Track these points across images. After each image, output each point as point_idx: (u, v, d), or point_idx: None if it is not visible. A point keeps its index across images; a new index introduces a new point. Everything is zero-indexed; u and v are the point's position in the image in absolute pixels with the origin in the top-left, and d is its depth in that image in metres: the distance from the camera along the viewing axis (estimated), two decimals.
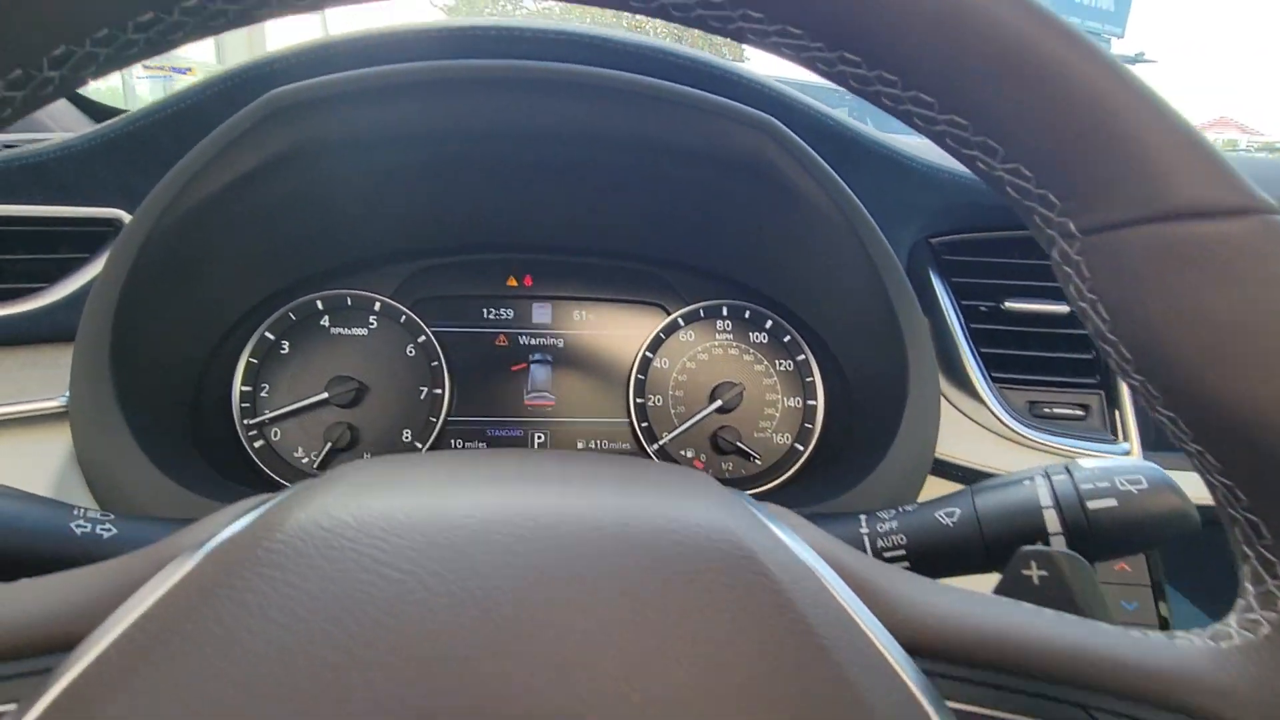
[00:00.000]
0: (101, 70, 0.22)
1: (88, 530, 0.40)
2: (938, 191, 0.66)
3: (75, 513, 0.40)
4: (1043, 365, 0.68)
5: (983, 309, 0.70)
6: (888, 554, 0.45)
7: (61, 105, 0.89)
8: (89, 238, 0.61)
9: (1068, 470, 0.43)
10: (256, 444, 0.69)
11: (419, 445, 0.71)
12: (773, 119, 0.51)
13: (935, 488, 0.64)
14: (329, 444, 0.69)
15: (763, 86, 0.55)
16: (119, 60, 0.22)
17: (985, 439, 0.66)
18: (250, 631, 0.19)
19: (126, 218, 0.60)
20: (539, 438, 0.74)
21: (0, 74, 0.21)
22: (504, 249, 0.75)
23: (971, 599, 0.27)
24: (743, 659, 0.19)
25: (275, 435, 0.70)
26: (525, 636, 0.19)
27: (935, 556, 0.44)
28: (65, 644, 0.22)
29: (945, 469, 0.66)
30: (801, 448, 0.75)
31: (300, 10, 0.24)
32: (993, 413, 0.66)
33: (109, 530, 0.40)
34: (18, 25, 0.20)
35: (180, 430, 0.61)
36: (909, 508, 0.47)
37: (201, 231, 0.55)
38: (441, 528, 0.22)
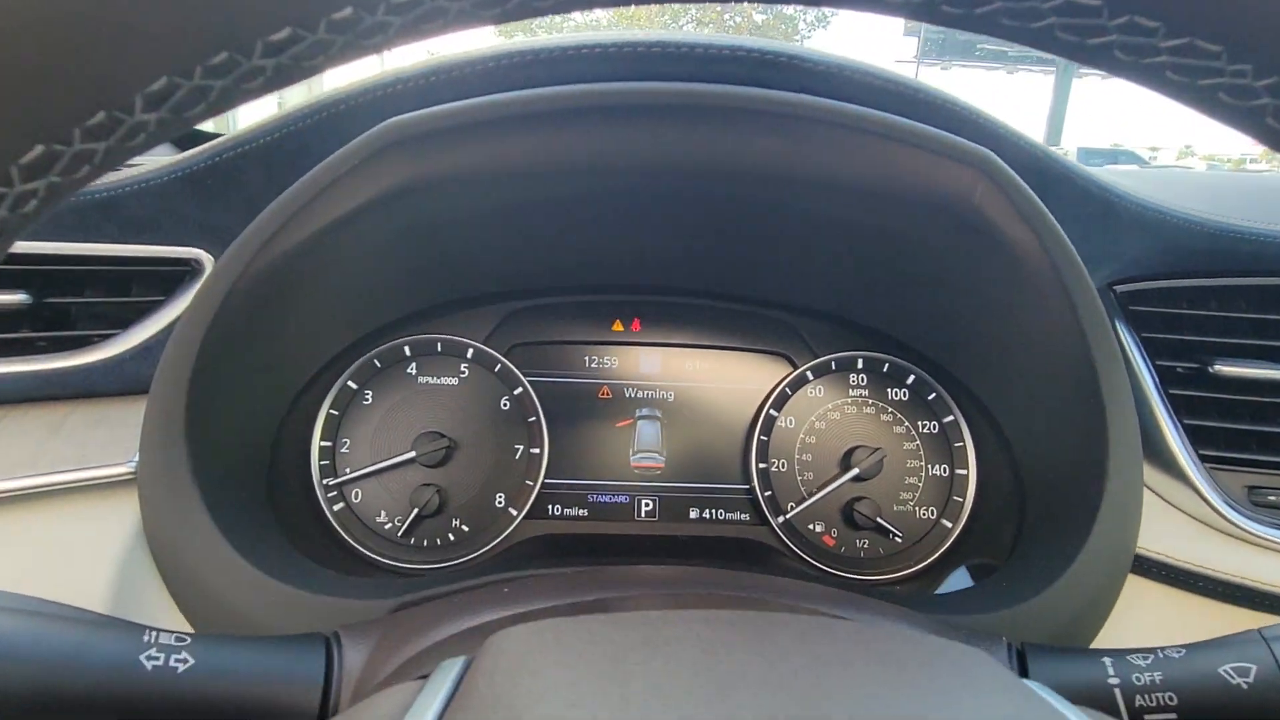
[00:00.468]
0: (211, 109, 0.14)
1: (160, 664, 0.32)
2: (1142, 233, 0.55)
3: (147, 639, 0.33)
4: (1263, 442, 0.56)
5: (1180, 370, 0.59)
6: (1151, 716, 0.35)
7: None
8: (165, 279, 0.54)
9: None
10: (336, 506, 0.61)
11: (513, 511, 0.63)
12: (989, 153, 0.41)
13: (1133, 589, 0.53)
14: (415, 510, 0.61)
15: (967, 111, 0.45)
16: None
17: (1194, 531, 0.55)
18: None
19: (207, 259, 0.53)
20: (646, 505, 0.65)
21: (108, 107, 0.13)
22: (609, 290, 0.67)
23: None
24: None
25: (356, 497, 0.62)
26: None
27: None
28: None
29: (1145, 566, 0.55)
30: (949, 524, 0.64)
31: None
32: (1204, 499, 0.55)
33: (185, 661, 0.33)
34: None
35: (256, 498, 0.54)
36: (1173, 651, 0.37)
37: (294, 274, 0.47)
38: None
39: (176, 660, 0.33)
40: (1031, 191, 0.43)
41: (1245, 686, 0.33)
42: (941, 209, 0.43)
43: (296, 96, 0.53)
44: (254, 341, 0.50)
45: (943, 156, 0.41)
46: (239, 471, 0.53)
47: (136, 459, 0.49)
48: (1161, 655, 0.36)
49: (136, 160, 0.68)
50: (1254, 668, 0.33)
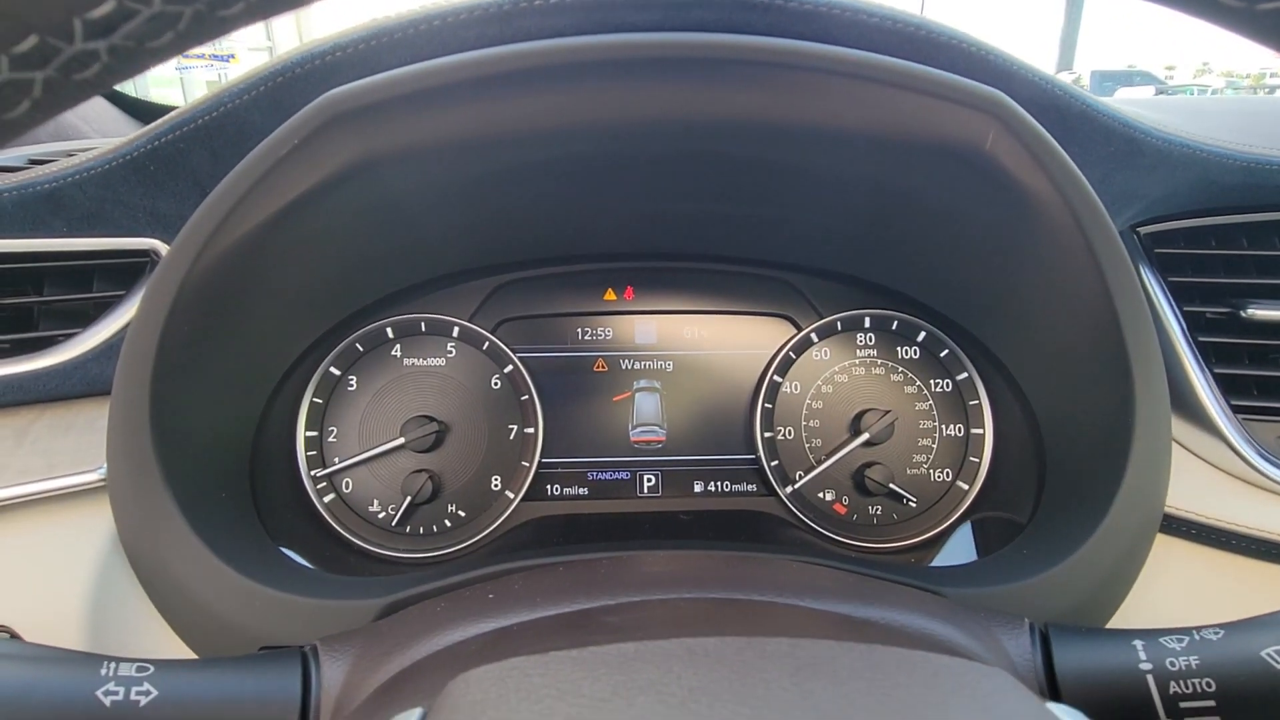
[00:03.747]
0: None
1: (120, 698, 0.30)
2: (1169, 171, 0.51)
3: (105, 672, 0.31)
4: None
5: (1210, 316, 0.55)
6: (1187, 704, 0.32)
7: (98, 105, 0.80)
8: (123, 271, 0.51)
9: None
10: (327, 498, 0.59)
11: (510, 494, 0.61)
12: (1001, 95, 0.37)
13: (1161, 549, 0.51)
14: (408, 498, 0.59)
15: (976, 49, 0.41)
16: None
17: (1226, 485, 0.52)
18: None
19: (163, 248, 0.50)
20: (648, 480, 0.63)
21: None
22: (599, 258, 0.63)
23: None
24: None
25: (346, 487, 0.60)
26: None
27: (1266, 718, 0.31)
28: None
29: (1173, 524, 0.52)
30: (965, 486, 0.61)
31: None
32: (1236, 451, 0.52)
33: (147, 694, 0.31)
34: None
35: (236, 497, 0.52)
36: (1209, 631, 0.34)
37: (251, 262, 0.44)
38: None
39: (138, 693, 0.31)
40: (1047, 135, 0.39)
41: None
42: (950, 157, 0.39)
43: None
44: (218, 334, 0.47)
45: (950, 101, 0.37)
46: (216, 471, 0.51)
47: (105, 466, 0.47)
48: (1197, 637, 0.33)
49: (81, 145, 0.64)
50: None
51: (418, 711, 0.24)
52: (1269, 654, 0.31)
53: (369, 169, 0.41)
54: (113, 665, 0.31)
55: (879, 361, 0.63)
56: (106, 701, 0.30)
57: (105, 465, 0.47)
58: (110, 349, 0.50)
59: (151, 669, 0.32)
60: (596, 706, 0.20)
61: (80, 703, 0.30)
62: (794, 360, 0.63)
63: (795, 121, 0.38)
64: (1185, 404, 0.53)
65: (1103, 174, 0.44)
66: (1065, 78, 0.49)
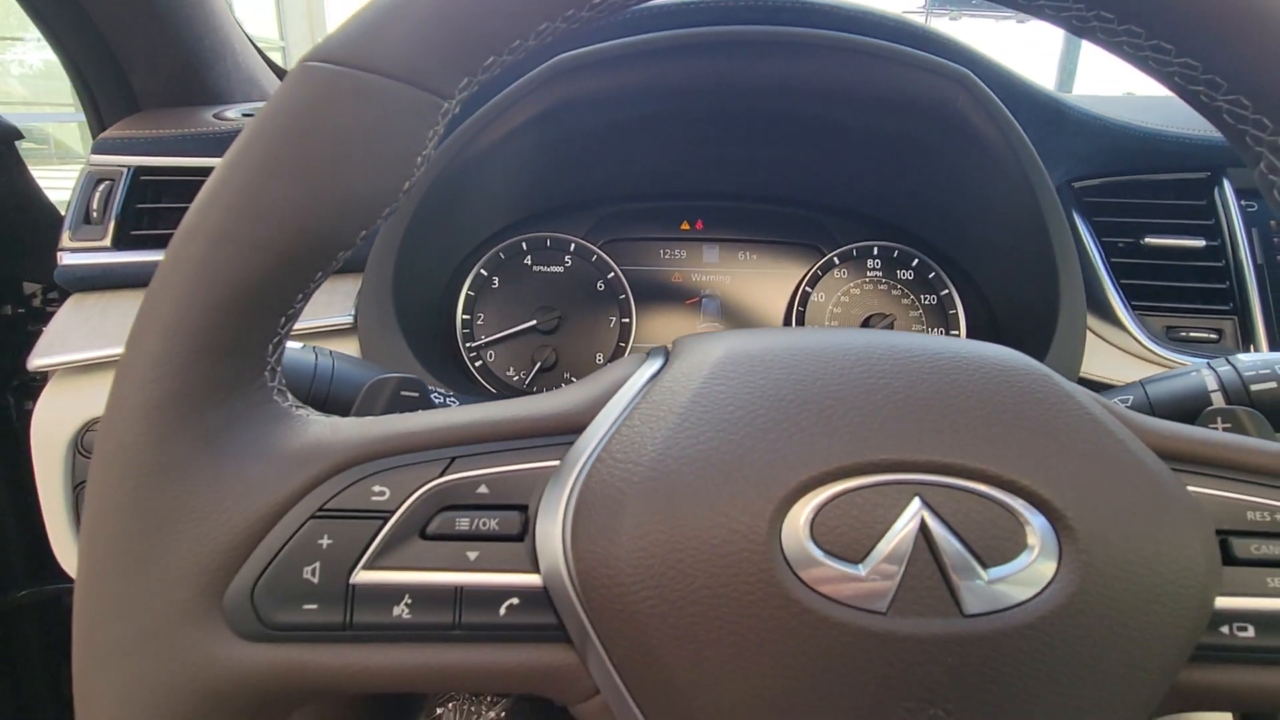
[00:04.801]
0: None
1: (441, 402, 0.52)
2: (1088, 136, 0.73)
3: (434, 393, 0.51)
4: (1179, 294, 0.75)
5: (1121, 245, 0.77)
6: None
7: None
8: None
9: (1229, 361, 0.51)
10: (476, 364, 0.81)
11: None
12: (967, 70, 0.59)
13: None
14: (537, 364, 0.80)
15: (950, 42, 0.63)
16: None
17: (1127, 360, 0.74)
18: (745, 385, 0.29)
19: None
20: None
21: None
22: (678, 197, 0.85)
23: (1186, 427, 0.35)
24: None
25: (490, 357, 0.82)
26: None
27: None
28: (574, 427, 0.32)
29: (1090, 388, 0.74)
30: None
31: None
32: (1133, 336, 0.73)
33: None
34: None
35: (429, 358, 0.74)
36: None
37: (468, 178, 0.66)
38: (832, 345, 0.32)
39: (451, 401, 0.52)
40: (998, 100, 0.61)
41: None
42: (932, 113, 0.61)
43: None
44: (434, 226, 0.69)
45: (933, 74, 0.59)
46: (420, 328, 0.73)
47: (353, 313, 0.69)
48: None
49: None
50: (1131, 398, 0.52)
51: (659, 360, 0.33)
52: (1115, 401, 0.52)
53: (555, 114, 0.63)
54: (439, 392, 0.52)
55: (883, 280, 0.85)
56: (435, 402, 0.51)
57: (356, 312, 0.68)
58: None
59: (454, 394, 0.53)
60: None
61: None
62: (820, 277, 0.85)
63: (826, 85, 0.61)
64: (1100, 305, 0.75)
65: (1039, 135, 0.66)
66: None
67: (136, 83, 0.77)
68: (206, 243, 0.28)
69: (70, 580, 0.99)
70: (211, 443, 0.28)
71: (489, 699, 1.58)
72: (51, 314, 0.67)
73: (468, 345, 0.81)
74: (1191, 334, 0.74)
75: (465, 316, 0.81)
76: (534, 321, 0.81)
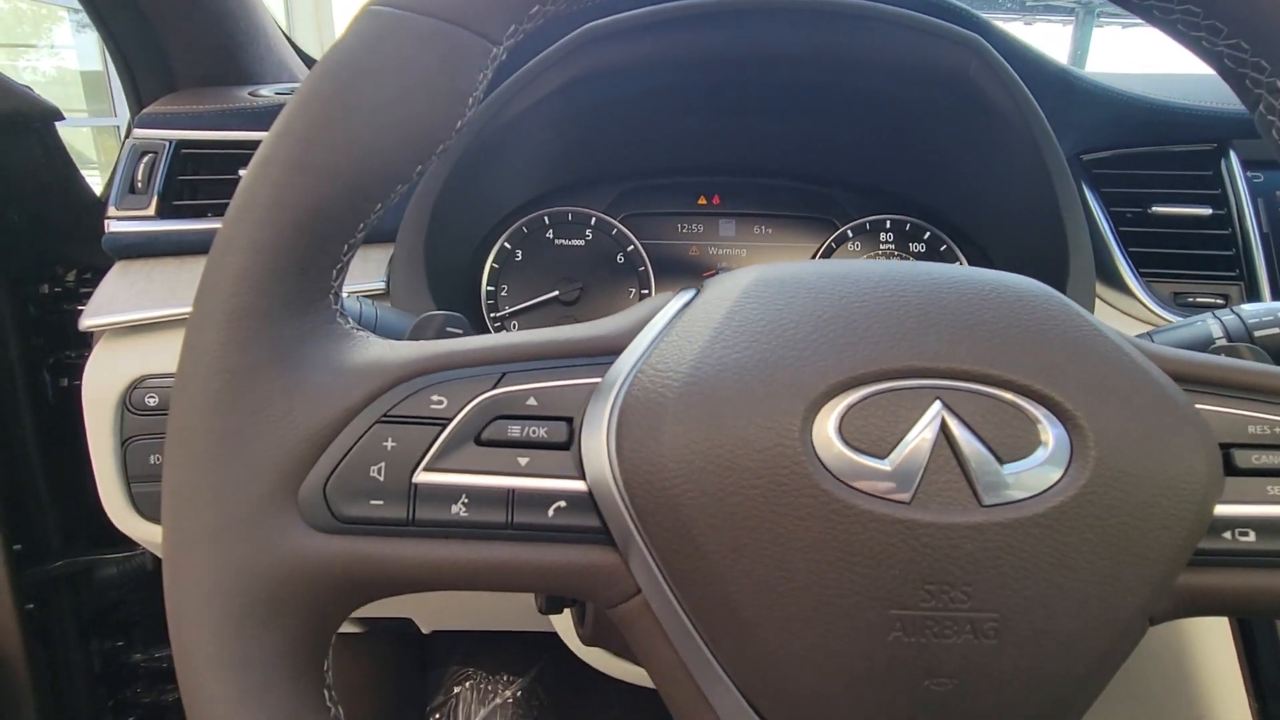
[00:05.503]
0: None
1: None
2: (1096, 108, 0.75)
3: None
4: (1186, 261, 0.77)
5: (1129, 214, 0.79)
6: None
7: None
8: None
9: (1234, 311, 0.53)
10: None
11: None
12: (979, 37, 0.62)
13: None
14: None
15: (962, 10, 0.66)
16: None
17: (1135, 326, 0.76)
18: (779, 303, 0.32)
19: None
20: None
21: None
22: (695, 172, 0.88)
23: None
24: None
25: (514, 327, 0.84)
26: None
27: None
28: (614, 349, 0.34)
29: None
30: None
31: None
32: (1140, 302, 0.75)
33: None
34: None
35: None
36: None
37: (496, 146, 0.69)
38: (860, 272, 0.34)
39: None
40: (1010, 67, 0.63)
41: None
42: (944, 81, 0.64)
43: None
44: (461, 200, 0.71)
45: (946, 40, 0.61)
46: (447, 299, 0.75)
47: (385, 278, 0.71)
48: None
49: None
50: None
51: (691, 292, 0.34)
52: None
53: (581, 83, 0.66)
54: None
55: (895, 253, 0.87)
56: None
57: (388, 278, 0.71)
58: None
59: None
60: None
61: None
62: (834, 249, 0.87)
63: (840, 52, 0.64)
64: (1109, 274, 0.77)
65: (1048, 106, 0.68)
66: None
67: (176, 63, 0.80)
68: (282, 169, 0.31)
69: (107, 550, 1.01)
70: (287, 354, 0.31)
71: (506, 677, 1.60)
72: (87, 295, 0.70)
73: (492, 316, 0.84)
74: (1198, 299, 0.76)
75: (490, 288, 0.84)
76: (556, 293, 0.83)
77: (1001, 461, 0.29)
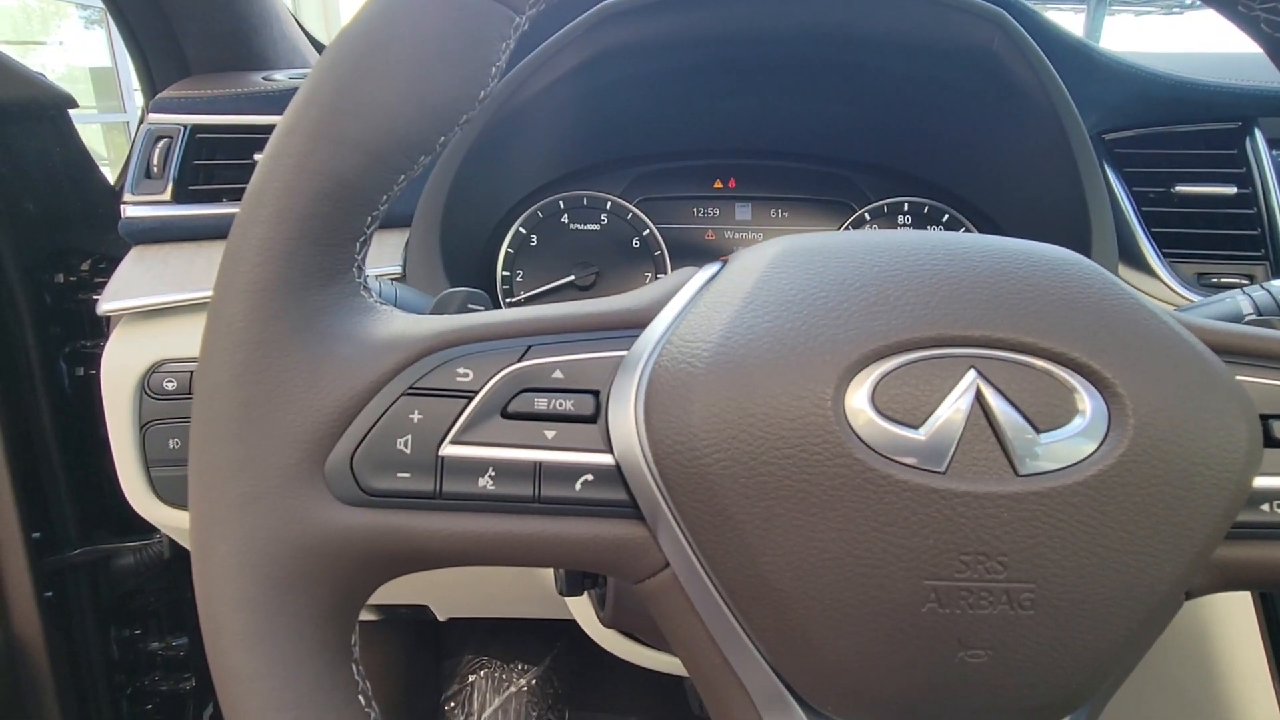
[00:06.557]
0: None
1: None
2: (1118, 85, 0.74)
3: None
4: (1210, 241, 0.75)
5: (1151, 195, 0.78)
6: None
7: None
8: None
9: (1264, 287, 0.52)
10: None
11: None
12: (1002, 11, 0.61)
13: None
14: None
15: None
16: None
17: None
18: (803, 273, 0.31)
19: None
20: None
21: None
22: (711, 155, 0.87)
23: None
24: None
25: None
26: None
27: None
28: (640, 322, 0.33)
29: None
30: None
31: None
32: (1164, 283, 0.74)
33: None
34: None
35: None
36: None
37: (513, 126, 0.68)
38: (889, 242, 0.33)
39: None
40: (1033, 42, 0.62)
41: None
42: (966, 57, 0.63)
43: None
44: (477, 183, 0.71)
45: (970, 14, 0.60)
46: (462, 284, 0.75)
47: (402, 263, 0.71)
48: None
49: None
50: None
51: (716, 265, 0.35)
52: None
53: (596, 63, 0.65)
54: None
55: None
56: None
57: (404, 262, 0.71)
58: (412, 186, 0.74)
59: None
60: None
61: None
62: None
63: (860, 28, 0.63)
64: (1132, 255, 0.76)
65: (1069, 83, 0.67)
66: None
67: (189, 48, 0.80)
68: (306, 138, 0.30)
69: (125, 538, 1.02)
70: (311, 325, 0.31)
71: (520, 666, 1.60)
72: (103, 283, 0.70)
73: (508, 301, 0.83)
74: (1223, 279, 0.75)
75: (505, 273, 0.83)
76: (572, 277, 0.83)
77: (1038, 431, 0.29)
